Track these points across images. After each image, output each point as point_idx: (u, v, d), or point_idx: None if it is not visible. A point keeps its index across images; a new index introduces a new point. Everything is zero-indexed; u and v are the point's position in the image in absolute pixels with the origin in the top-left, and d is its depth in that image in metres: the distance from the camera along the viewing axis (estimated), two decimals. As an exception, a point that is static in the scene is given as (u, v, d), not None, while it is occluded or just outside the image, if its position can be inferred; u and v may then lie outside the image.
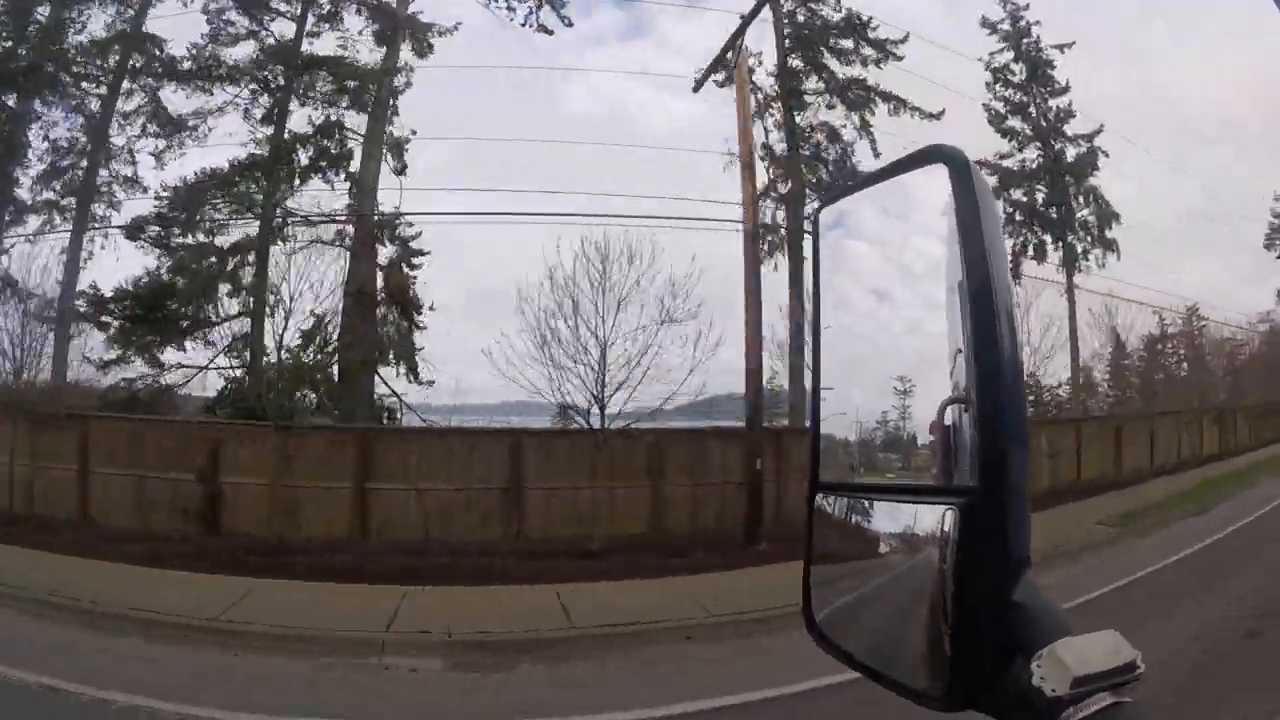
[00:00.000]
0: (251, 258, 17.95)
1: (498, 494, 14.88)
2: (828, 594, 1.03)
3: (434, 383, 18.04)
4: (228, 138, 18.38)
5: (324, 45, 18.97)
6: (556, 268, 16.13)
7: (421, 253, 18.65)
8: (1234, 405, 30.10)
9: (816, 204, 1.11)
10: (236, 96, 18.56)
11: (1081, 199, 25.60)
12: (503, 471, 14.99)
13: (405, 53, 19.26)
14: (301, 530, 14.11)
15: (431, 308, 18.50)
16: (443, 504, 14.56)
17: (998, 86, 25.29)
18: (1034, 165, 25.38)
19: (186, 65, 18.42)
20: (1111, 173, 25.71)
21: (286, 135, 18.53)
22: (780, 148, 21.87)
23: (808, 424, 1.09)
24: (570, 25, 19.64)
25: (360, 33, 19.00)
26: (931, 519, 0.87)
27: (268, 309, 17.10)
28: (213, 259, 17.76)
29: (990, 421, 0.84)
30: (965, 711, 0.83)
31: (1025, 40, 25.34)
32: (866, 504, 1.01)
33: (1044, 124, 25.39)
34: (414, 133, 18.68)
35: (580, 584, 11.58)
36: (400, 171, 18.65)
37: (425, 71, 19.18)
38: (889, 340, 1.00)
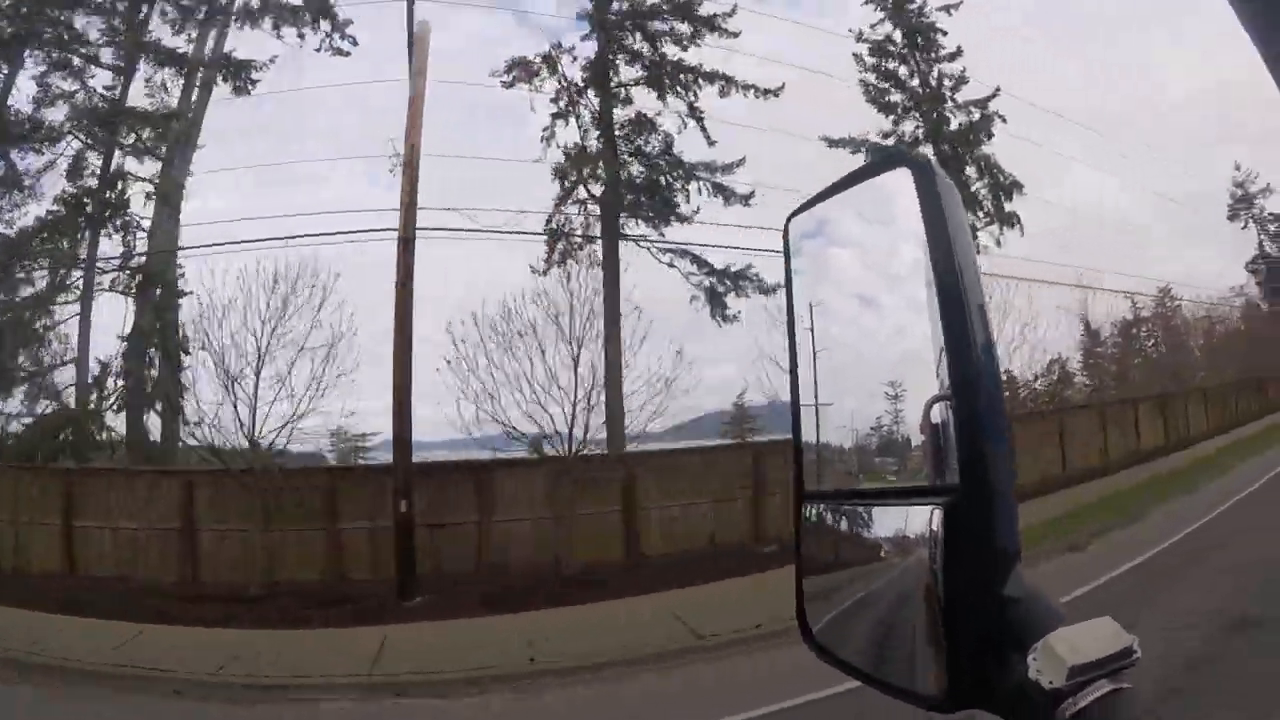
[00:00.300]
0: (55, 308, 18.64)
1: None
2: (821, 605, 1.03)
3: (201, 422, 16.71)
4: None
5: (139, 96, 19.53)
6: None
7: (183, 293, 18.45)
8: (1184, 387, 28.86)
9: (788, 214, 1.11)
10: (60, 154, 19.07)
11: (975, 170, 23.90)
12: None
13: (224, 92, 19.71)
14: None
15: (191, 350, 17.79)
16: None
17: (875, 59, 23.75)
18: (912, 139, 23.59)
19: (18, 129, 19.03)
20: (1062, 160, 25.46)
21: (75, 189, 19.03)
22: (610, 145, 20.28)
23: (791, 434, 1.09)
24: (356, 45, 19.99)
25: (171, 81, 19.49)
26: (922, 521, 0.88)
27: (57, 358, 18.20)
28: (25, 312, 18.32)
29: (969, 420, 0.86)
30: (970, 711, 0.84)
31: (909, 6, 23.83)
32: (864, 513, 1.01)
33: (926, 91, 23.81)
34: (188, 176, 19.32)
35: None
36: (176, 214, 18.99)
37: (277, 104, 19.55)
38: (877, 347, 1.01)
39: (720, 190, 20.52)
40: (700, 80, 20.47)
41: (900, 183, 0.96)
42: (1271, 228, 35.99)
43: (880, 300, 1.04)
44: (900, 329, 0.99)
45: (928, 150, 22.06)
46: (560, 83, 19.80)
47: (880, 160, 0.99)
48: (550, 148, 19.63)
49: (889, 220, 1.01)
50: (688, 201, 20.32)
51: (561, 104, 19.84)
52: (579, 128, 20.02)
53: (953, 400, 0.87)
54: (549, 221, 19.58)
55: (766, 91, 20.45)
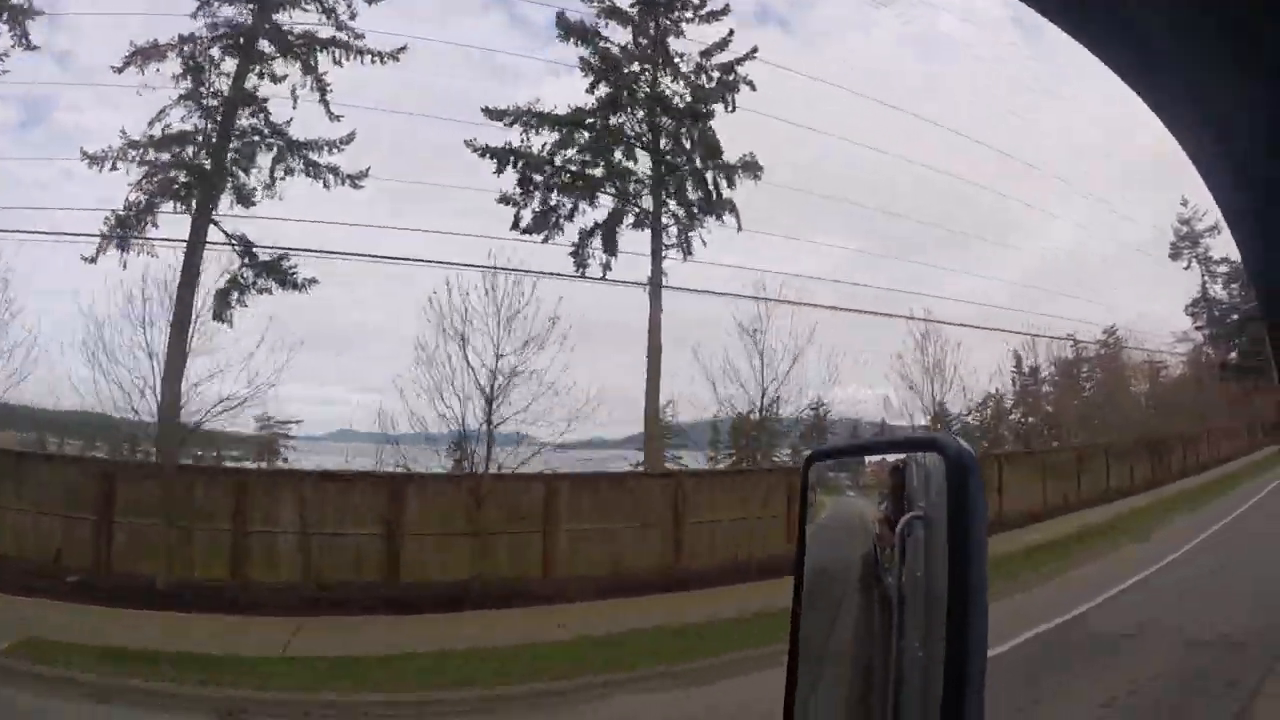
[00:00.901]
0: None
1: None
2: None
3: None
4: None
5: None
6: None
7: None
8: (1116, 436, 27.36)
9: (807, 454, 1.17)
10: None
11: (696, 148, 20.95)
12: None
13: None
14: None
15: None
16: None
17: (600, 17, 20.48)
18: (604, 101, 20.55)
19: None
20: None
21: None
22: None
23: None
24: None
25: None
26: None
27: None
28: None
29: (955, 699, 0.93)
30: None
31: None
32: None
33: (649, 51, 20.80)
34: None
35: None
36: None
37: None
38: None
39: (315, 169, 18.71)
40: (318, 47, 18.63)
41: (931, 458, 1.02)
42: (1218, 269, 33.91)
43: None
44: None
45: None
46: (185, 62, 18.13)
47: (919, 439, 1.05)
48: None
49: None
50: (271, 185, 18.71)
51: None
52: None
53: (943, 695, 0.95)
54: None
55: (385, 55, 18.66)
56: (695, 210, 20.83)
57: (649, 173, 20.56)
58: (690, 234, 20.76)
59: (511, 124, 19.68)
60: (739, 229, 20.70)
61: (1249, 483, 26.42)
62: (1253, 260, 1.03)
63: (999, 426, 27.19)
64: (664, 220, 20.58)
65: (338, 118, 18.59)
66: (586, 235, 20.31)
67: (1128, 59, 0.96)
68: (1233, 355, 33.84)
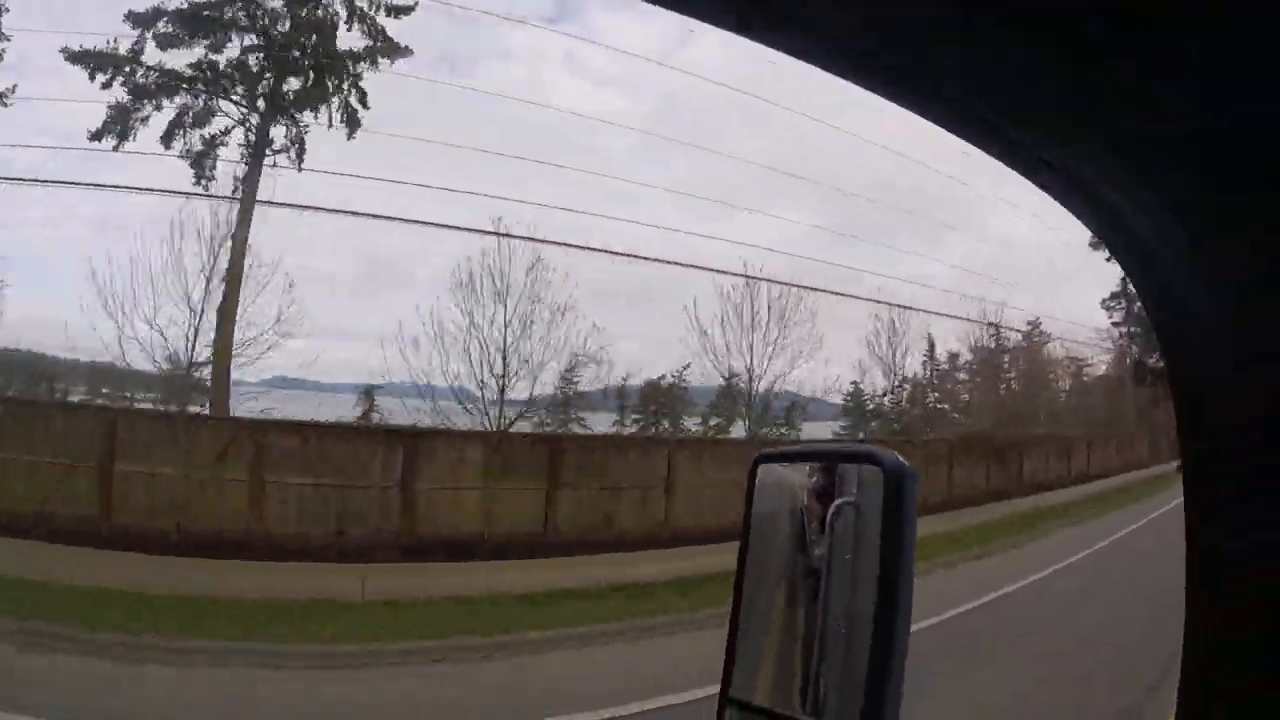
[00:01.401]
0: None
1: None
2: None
3: None
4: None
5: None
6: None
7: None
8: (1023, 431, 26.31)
9: (755, 455, 1.30)
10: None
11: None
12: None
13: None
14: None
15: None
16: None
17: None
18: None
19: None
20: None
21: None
22: None
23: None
24: None
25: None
26: None
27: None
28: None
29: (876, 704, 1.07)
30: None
31: None
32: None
33: None
34: None
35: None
36: None
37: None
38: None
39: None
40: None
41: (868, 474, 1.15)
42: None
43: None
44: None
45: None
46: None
47: (860, 452, 1.17)
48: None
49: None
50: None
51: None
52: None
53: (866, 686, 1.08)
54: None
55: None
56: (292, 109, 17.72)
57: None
58: (302, 136, 17.81)
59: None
60: (350, 135, 17.89)
61: (1117, 511, 22.69)
62: (1154, 310, 1.09)
63: (912, 410, 27.43)
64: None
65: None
66: (208, 145, 17.68)
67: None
68: (1154, 358, 33.32)
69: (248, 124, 17.70)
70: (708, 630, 9.24)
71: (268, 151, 17.64)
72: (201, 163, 17.68)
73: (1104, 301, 31.63)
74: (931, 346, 27.77)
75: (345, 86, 17.83)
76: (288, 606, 11.03)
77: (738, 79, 20.02)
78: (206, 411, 17.06)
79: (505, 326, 18.73)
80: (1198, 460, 1.04)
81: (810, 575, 1.20)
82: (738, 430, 22.08)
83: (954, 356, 29.14)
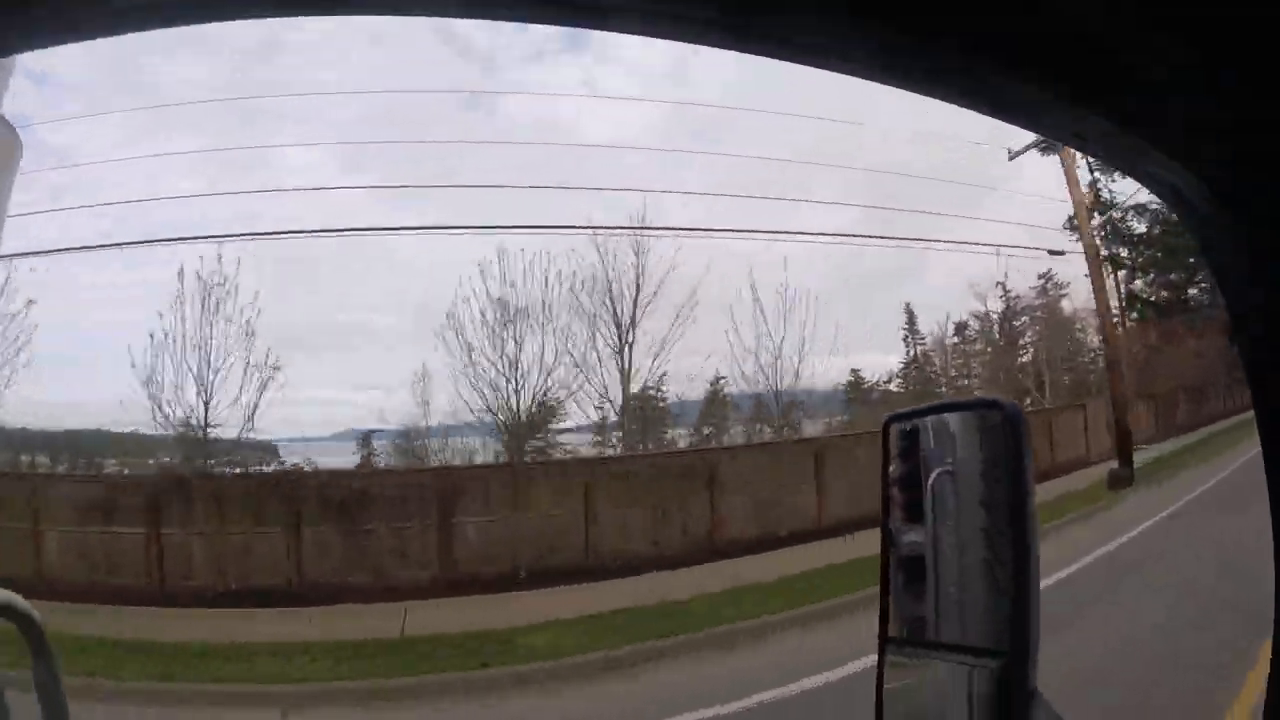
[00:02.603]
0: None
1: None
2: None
3: None
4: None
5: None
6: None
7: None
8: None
9: (886, 416, 1.47)
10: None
11: None
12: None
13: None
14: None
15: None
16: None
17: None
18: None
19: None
20: None
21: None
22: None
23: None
24: None
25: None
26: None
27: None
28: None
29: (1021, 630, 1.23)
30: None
31: None
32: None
33: None
34: None
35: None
36: None
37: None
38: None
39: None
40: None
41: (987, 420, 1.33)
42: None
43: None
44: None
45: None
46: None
47: (980, 400, 1.35)
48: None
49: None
50: None
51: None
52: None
53: (1011, 613, 1.25)
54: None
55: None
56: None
57: None
58: None
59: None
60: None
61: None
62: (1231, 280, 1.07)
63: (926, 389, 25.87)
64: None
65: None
66: None
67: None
68: (1137, 281, 29.25)
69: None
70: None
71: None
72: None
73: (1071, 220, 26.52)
74: (911, 319, 26.76)
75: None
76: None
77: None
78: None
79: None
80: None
81: (939, 517, 1.38)
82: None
83: (961, 327, 27.84)
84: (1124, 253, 28.75)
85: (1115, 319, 25.95)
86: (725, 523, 15.91)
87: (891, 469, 1.44)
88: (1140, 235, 28.74)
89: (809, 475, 16.79)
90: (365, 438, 20.25)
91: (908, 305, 26.07)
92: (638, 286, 19.80)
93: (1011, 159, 19.70)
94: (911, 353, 26.29)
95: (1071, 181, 20.00)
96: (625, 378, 19.63)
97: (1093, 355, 26.71)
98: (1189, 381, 26.33)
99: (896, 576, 1.43)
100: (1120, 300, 27.91)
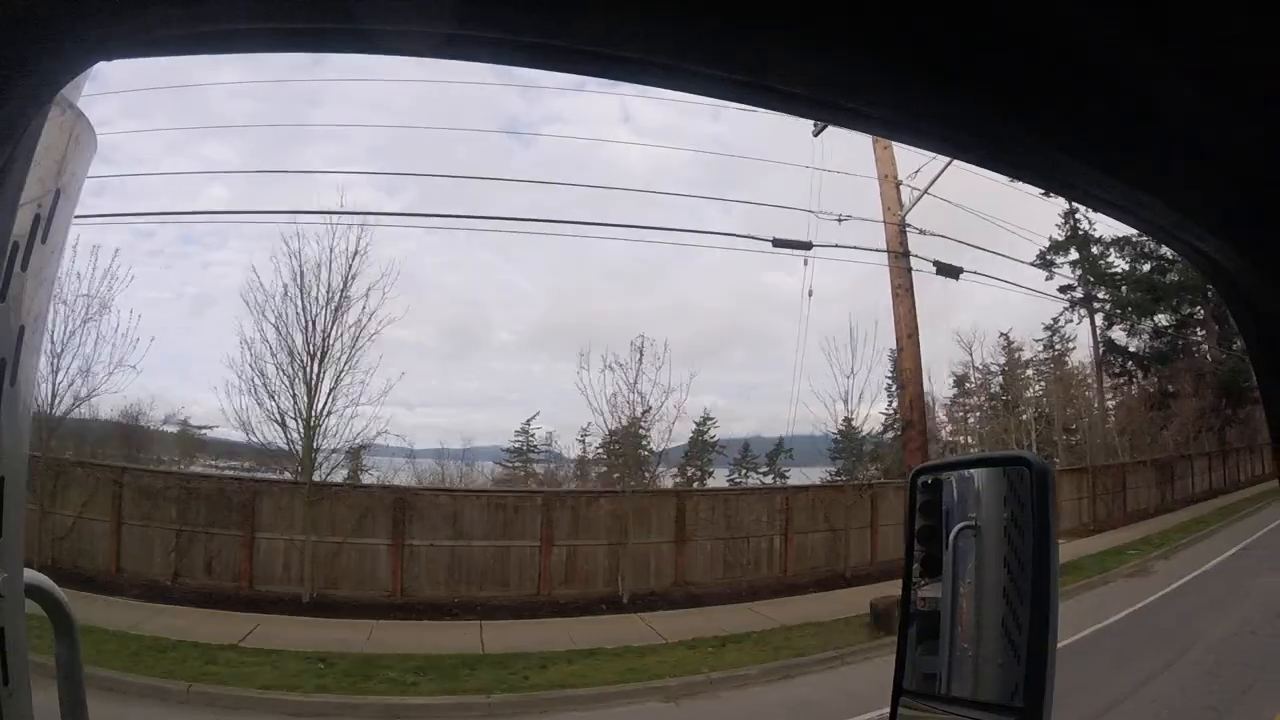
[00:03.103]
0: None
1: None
2: None
3: None
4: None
5: None
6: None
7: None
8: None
9: (915, 469, 1.49)
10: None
11: None
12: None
13: None
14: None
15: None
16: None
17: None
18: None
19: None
20: None
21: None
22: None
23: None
24: None
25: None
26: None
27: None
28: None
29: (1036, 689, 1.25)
30: None
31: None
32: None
33: None
34: None
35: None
36: None
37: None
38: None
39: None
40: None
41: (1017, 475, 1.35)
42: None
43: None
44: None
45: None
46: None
47: (1009, 456, 1.38)
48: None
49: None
50: None
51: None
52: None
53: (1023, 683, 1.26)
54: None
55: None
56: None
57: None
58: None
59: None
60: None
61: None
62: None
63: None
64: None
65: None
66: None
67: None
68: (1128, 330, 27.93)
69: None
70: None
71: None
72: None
73: (1043, 254, 26.59)
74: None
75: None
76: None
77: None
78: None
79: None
80: None
81: (959, 571, 1.40)
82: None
83: (961, 380, 27.28)
84: (1102, 294, 27.66)
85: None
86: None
87: (918, 525, 1.46)
88: (1122, 274, 27.63)
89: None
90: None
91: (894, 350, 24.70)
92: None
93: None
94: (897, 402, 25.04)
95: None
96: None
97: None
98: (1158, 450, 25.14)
99: (911, 629, 1.44)
100: (1097, 348, 27.41)
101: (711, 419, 21.34)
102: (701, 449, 22.46)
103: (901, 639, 1.45)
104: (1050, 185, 1.21)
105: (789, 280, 32.64)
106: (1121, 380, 27.65)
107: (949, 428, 27.84)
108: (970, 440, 27.29)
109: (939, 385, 26.52)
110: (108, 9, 0.70)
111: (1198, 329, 27.31)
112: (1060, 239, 26.92)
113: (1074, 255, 27.07)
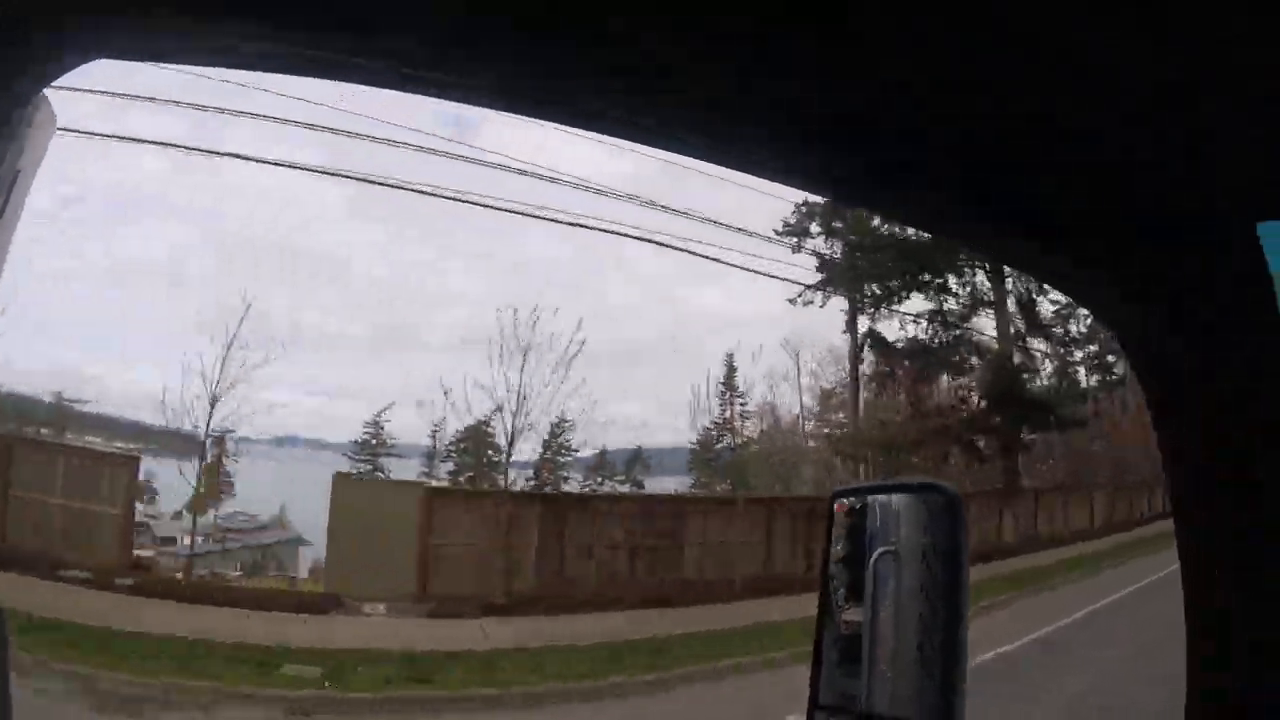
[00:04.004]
0: None
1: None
2: None
3: None
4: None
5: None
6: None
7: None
8: None
9: (833, 491, 1.54)
10: None
11: None
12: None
13: None
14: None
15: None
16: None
17: None
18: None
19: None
20: None
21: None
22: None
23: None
24: None
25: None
26: None
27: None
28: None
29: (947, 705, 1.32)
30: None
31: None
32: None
33: None
34: None
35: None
36: None
37: None
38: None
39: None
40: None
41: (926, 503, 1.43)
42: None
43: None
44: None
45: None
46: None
47: (920, 484, 1.45)
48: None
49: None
50: None
51: None
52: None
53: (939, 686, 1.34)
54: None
55: None
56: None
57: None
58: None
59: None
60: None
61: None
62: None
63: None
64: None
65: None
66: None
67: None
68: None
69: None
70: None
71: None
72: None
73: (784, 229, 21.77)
74: (731, 372, 22.39)
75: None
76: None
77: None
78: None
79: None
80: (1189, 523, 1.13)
81: (878, 594, 1.46)
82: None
83: (827, 395, 24.46)
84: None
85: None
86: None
87: (836, 547, 1.51)
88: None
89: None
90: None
91: (730, 356, 22.42)
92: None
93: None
94: (728, 412, 22.64)
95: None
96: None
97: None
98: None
99: (832, 651, 1.49)
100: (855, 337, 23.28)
101: (568, 422, 20.99)
102: (556, 452, 22.14)
103: (816, 658, 1.50)
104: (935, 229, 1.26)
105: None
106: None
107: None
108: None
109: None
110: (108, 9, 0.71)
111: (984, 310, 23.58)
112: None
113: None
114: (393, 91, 0.99)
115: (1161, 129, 0.87)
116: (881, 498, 1.51)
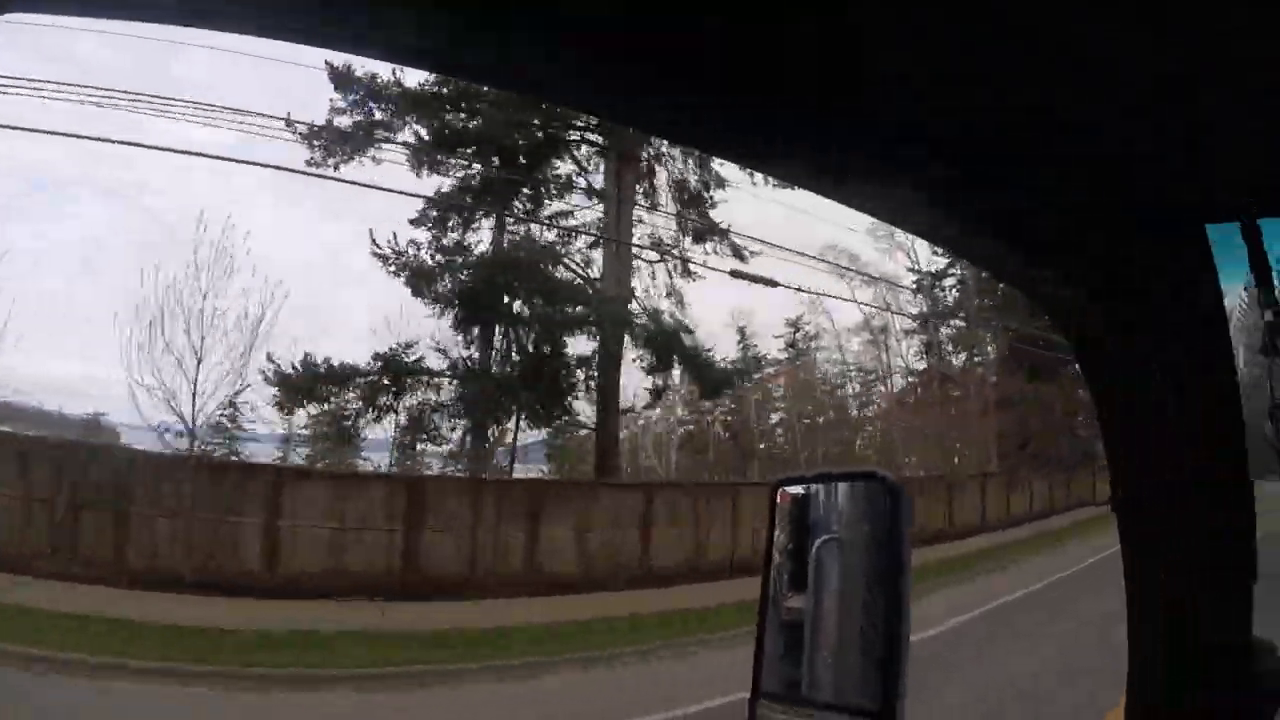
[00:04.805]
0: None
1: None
2: None
3: None
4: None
5: None
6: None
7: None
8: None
9: (774, 480, 1.55)
10: None
11: None
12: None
13: None
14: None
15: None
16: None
17: None
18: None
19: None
20: None
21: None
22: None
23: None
24: None
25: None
26: None
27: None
28: None
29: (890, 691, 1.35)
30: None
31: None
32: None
33: None
34: None
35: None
36: None
37: None
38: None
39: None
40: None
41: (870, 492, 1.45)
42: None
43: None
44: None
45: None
46: None
47: (862, 473, 1.47)
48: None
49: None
50: None
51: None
52: None
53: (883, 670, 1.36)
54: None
55: None
56: None
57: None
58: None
59: None
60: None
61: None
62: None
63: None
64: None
65: None
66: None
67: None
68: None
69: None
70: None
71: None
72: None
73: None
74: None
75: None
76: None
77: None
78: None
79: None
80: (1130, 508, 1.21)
81: (820, 582, 1.48)
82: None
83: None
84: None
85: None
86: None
87: (778, 535, 1.52)
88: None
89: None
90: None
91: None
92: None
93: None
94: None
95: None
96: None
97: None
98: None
99: (776, 639, 1.50)
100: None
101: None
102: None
103: (759, 645, 1.50)
104: (885, 217, 1.28)
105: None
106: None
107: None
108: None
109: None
110: None
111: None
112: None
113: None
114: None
115: (1161, 122, 0.90)
116: (824, 486, 1.52)
